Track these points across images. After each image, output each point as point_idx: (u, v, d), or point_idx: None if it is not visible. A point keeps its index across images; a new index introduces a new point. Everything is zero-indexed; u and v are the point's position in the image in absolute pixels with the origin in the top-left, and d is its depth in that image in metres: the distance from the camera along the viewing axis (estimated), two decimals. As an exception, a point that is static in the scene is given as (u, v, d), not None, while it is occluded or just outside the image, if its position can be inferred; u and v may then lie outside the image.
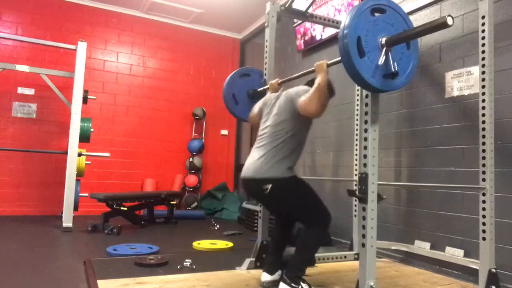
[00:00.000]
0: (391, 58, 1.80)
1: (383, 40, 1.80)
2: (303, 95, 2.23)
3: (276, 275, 2.41)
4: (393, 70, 1.79)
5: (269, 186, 2.20)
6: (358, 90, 3.58)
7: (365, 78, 1.75)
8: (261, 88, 2.98)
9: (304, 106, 2.19)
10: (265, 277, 2.42)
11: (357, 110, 3.57)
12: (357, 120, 3.56)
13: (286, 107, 2.33)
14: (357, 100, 3.59)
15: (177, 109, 6.35)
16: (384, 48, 1.79)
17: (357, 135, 3.53)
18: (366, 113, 1.91)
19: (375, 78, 1.78)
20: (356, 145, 3.55)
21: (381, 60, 1.77)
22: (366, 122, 1.90)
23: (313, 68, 2.32)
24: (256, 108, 2.66)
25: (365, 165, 1.88)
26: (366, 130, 1.90)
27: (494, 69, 2.54)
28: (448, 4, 3.15)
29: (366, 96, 1.92)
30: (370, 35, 1.78)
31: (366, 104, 1.91)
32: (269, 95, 2.62)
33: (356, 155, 3.52)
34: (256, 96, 3.03)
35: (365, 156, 1.88)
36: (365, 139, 1.90)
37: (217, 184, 6.46)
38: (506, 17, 2.69)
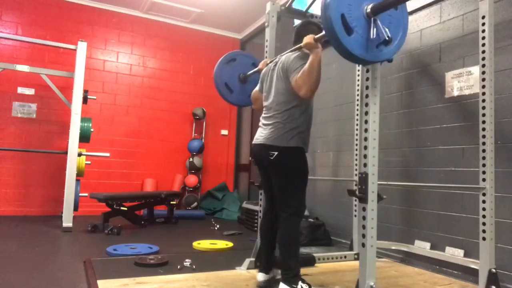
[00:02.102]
0: (381, 25, 1.71)
1: (368, 8, 1.70)
2: (296, 70, 2.17)
3: (272, 274, 2.41)
4: (386, 37, 1.71)
5: (275, 153, 2.24)
6: (358, 90, 3.58)
7: (359, 55, 1.69)
8: (251, 71, 2.94)
9: (296, 86, 2.16)
10: (261, 277, 2.41)
11: (357, 110, 3.57)
12: (357, 120, 3.56)
13: (284, 77, 2.29)
14: (357, 100, 3.58)
15: (177, 109, 6.35)
16: (371, 18, 1.70)
17: (357, 135, 3.53)
18: (366, 113, 1.91)
19: (369, 51, 1.72)
20: (356, 145, 3.55)
21: (373, 33, 1.69)
22: (366, 122, 1.90)
23: (301, 45, 2.22)
24: (256, 87, 2.65)
25: (365, 165, 1.88)
26: (366, 130, 1.90)
27: (494, 69, 2.54)
28: (448, 4, 3.15)
29: (366, 96, 1.92)
30: (353, 8, 1.68)
31: (366, 104, 1.91)
32: (265, 69, 2.58)
33: (356, 155, 3.52)
34: (248, 79, 3.00)
35: (365, 156, 1.88)
36: (365, 139, 1.90)
37: (217, 184, 6.46)
38: (506, 17, 2.69)
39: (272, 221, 2.46)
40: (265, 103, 2.44)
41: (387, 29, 1.71)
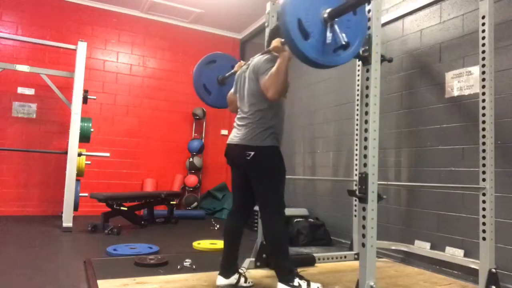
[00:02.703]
0: (338, 30, 1.72)
1: (326, 13, 1.71)
2: (265, 73, 2.19)
3: (232, 279, 2.36)
4: (343, 42, 1.72)
5: (252, 153, 2.24)
6: (358, 90, 3.58)
7: (315, 59, 1.70)
8: (228, 73, 2.92)
9: (264, 88, 2.18)
10: (221, 281, 2.36)
11: (357, 110, 3.57)
12: (357, 120, 3.56)
13: (254, 79, 2.31)
14: (357, 100, 3.58)
15: (177, 109, 6.35)
16: (328, 23, 1.71)
17: (357, 135, 3.53)
18: (366, 113, 1.91)
19: (325, 56, 1.73)
20: (356, 145, 3.55)
21: (329, 38, 1.70)
22: (366, 122, 1.90)
23: (269, 49, 2.23)
24: (231, 90, 2.65)
25: (365, 165, 1.88)
26: (366, 130, 1.90)
27: (494, 69, 2.54)
28: (448, 4, 3.15)
29: (366, 96, 1.92)
30: (310, 13, 1.69)
31: (366, 104, 1.91)
32: (239, 71, 2.59)
33: (356, 155, 3.52)
34: (226, 81, 2.98)
35: (365, 156, 1.89)
36: (365, 139, 1.90)
37: (217, 184, 6.46)
38: (506, 17, 2.69)
39: (236, 222, 2.45)
40: (239, 105, 2.46)
41: (344, 34, 1.72)
